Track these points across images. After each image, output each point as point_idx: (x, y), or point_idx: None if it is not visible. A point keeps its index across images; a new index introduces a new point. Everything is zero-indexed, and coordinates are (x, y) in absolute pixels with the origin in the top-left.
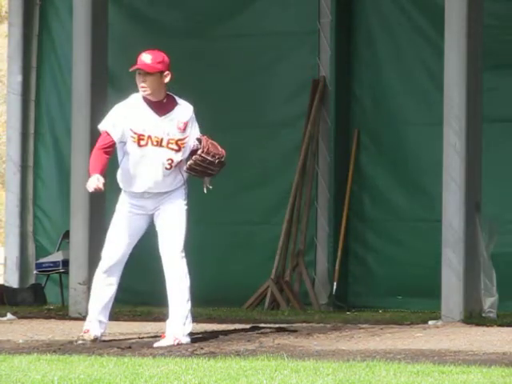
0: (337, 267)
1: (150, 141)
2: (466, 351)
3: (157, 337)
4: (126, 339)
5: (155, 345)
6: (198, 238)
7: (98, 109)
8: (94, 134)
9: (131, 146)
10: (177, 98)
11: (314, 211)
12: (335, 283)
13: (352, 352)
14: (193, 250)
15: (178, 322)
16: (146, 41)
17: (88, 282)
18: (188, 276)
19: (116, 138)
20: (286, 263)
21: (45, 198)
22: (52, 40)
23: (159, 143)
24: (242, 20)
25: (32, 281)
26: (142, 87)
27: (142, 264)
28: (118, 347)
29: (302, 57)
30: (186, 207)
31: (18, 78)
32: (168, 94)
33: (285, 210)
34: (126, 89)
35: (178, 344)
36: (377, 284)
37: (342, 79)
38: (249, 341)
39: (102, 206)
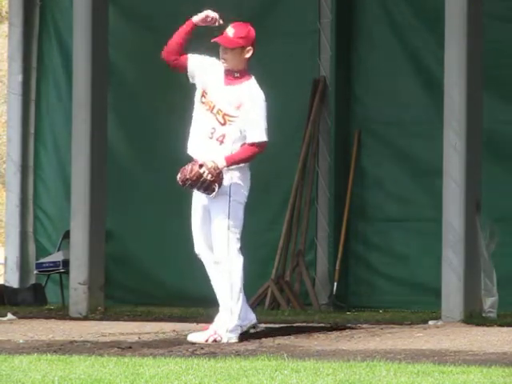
0: (337, 267)
1: (208, 102)
2: (466, 351)
3: (157, 337)
4: (126, 339)
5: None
6: None
7: (98, 110)
8: (94, 134)
9: (197, 96)
10: (253, 79)
11: (314, 211)
12: (335, 283)
13: (352, 352)
14: (194, 249)
15: (219, 316)
16: (146, 41)
17: (88, 282)
18: (229, 267)
19: (190, 62)
20: (286, 263)
21: (45, 197)
22: (52, 40)
23: (211, 109)
24: (243, 20)
25: (32, 281)
26: (222, 59)
27: (143, 264)
28: (118, 347)
29: (302, 57)
30: (233, 194)
31: (19, 78)
32: (245, 71)
33: (285, 211)
34: (126, 90)
35: (214, 341)
36: (377, 284)
37: (342, 79)
38: (249, 341)
39: (102, 205)
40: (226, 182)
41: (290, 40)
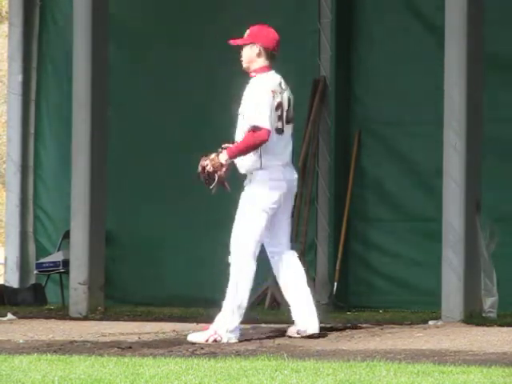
0: (337, 267)
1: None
2: (466, 351)
3: (157, 337)
4: (126, 339)
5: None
6: (198, 238)
7: (98, 110)
8: (94, 134)
9: None
10: (261, 75)
11: (314, 211)
12: (335, 283)
13: (352, 352)
14: (193, 250)
15: (220, 316)
16: (146, 41)
17: (88, 282)
18: (237, 270)
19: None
20: None
21: (45, 198)
22: (52, 40)
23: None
24: (242, 20)
25: (32, 281)
26: (241, 60)
27: (143, 264)
28: (118, 347)
29: (302, 57)
30: (252, 197)
31: (19, 78)
32: (259, 69)
33: None
34: (126, 90)
35: (214, 341)
36: (377, 284)
37: (342, 79)
38: (249, 341)
39: (102, 205)
40: (245, 185)
41: (290, 40)
